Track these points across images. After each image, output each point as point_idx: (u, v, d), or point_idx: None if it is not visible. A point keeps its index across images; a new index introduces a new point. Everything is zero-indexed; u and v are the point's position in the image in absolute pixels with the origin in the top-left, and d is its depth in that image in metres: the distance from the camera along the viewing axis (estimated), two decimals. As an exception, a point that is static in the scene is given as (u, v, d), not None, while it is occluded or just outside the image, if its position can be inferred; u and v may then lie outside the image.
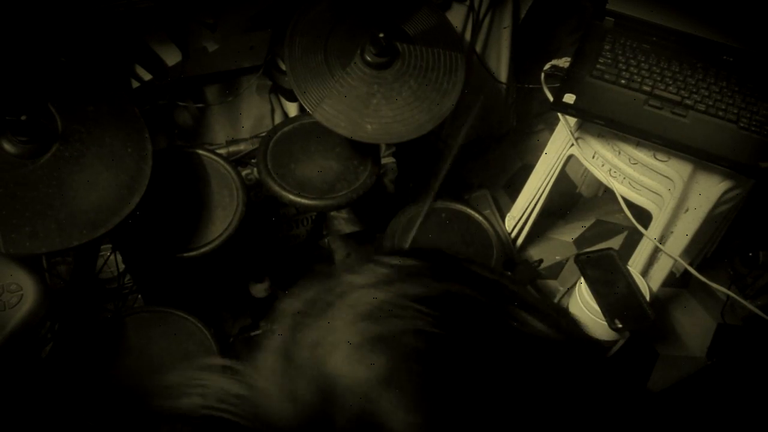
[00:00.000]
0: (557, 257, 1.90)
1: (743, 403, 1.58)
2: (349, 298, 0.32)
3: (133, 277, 1.48)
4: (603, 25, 1.45)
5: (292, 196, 1.36)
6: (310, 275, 0.35)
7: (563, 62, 1.47)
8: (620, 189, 1.47)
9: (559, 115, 1.48)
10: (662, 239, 1.47)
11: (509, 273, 1.71)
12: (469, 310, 0.31)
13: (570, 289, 1.76)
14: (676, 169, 1.37)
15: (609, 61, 1.38)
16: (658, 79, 1.35)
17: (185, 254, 1.27)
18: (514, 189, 1.92)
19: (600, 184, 1.92)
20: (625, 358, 1.60)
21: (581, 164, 1.54)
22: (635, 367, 1.69)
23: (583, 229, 1.97)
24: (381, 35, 1.26)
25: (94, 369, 1.15)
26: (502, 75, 1.77)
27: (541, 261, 1.84)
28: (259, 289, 1.54)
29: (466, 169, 2.01)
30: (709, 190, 1.39)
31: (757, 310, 1.46)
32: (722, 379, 1.70)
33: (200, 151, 1.39)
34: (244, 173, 1.53)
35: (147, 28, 1.38)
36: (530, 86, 1.72)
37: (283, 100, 1.68)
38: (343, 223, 1.76)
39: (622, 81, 1.35)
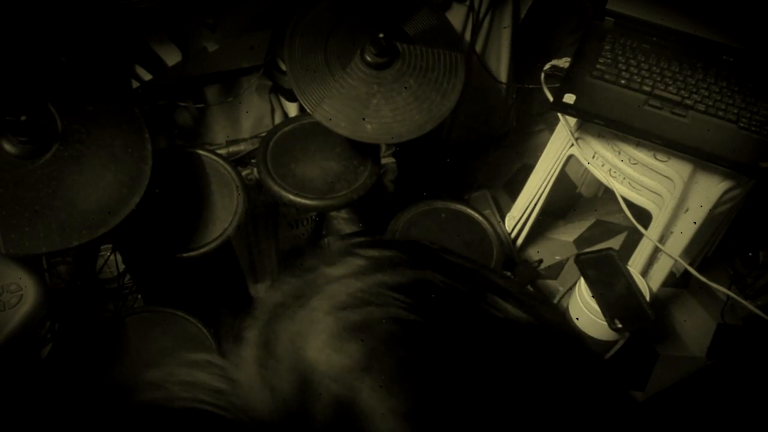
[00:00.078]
0: (557, 257, 1.90)
1: (743, 403, 1.58)
2: (327, 289, 0.32)
3: (133, 277, 1.48)
4: (603, 25, 1.46)
5: (292, 196, 1.36)
6: (290, 269, 0.35)
7: (563, 62, 1.47)
8: (620, 189, 1.47)
9: (559, 115, 1.48)
10: (662, 239, 1.47)
11: (509, 273, 1.71)
12: (446, 297, 0.32)
13: (570, 289, 1.76)
14: (676, 169, 1.37)
15: (609, 61, 1.38)
16: (658, 79, 1.35)
17: (185, 254, 1.27)
18: (514, 189, 1.92)
19: (600, 184, 1.92)
20: (625, 358, 1.60)
21: (581, 164, 1.54)
22: (635, 367, 1.69)
23: (583, 229, 1.97)
24: (381, 35, 1.26)
25: (94, 369, 1.15)
26: (502, 75, 1.77)
27: (541, 261, 1.84)
28: (259, 289, 1.54)
29: (466, 169, 2.01)
30: (709, 190, 1.39)
31: (757, 310, 1.46)
32: (722, 379, 1.70)
33: (200, 151, 1.39)
34: (244, 173, 1.53)
35: (147, 28, 1.38)
36: (530, 86, 1.72)
37: (283, 100, 1.68)
38: (343, 223, 1.76)
39: (622, 81, 1.35)
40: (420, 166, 1.84)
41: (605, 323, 1.43)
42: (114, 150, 1.12)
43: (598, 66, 1.38)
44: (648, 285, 1.50)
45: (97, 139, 1.10)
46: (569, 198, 2.03)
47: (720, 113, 1.31)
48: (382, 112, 1.29)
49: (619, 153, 1.43)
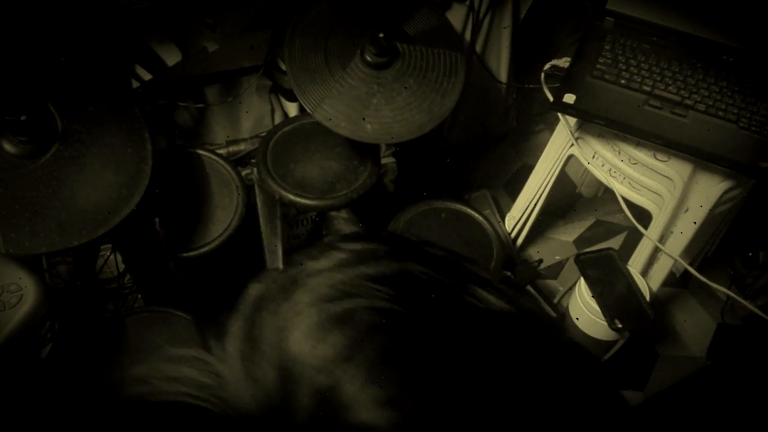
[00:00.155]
0: (557, 257, 1.90)
1: (743, 403, 1.58)
2: (309, 282, 0.33)
3: (133, 277, 1.48)
4: (603, 25, 1.46)
5: (292, 196, 1.36)
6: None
7: (563, 62, 1.47)
8: (620, 189, 1.47)
9: (559, 115, 1.48)
10: (662, 239, 1.47)
11: (509, 273, 1.71)
12: (426, 288, 0.32)
13: (570, 289, 1.76)
14: (676, 169, 1.37)
15: (609, 61, 1.38)
16: (658, 79, 1.35)
17: (185, 254, 1.27)
18: (514, 189, 1.92)
19: (600, 184, 1.92)
20: (625, 358, 1.60)
21: (581, 164, 1.54)
22: (635, 367, 1.69)
23: (583, 229, 1.97)
24: (381, 35, 1.26)
25: (93, 369, 1.15)
26: (502, 75, 1.77)
27: (541, 261, 1.84)
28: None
29: (466, 169, 2.01)
30: (709, 190, 1.39)
31: (757, 310, 1.46)
32: (722, 379, 1.70)
33: (200, 151, 1.39)
34: (244, 173, 1.53)
35: (147, 28, 1.38)
36: (530, 86, 1.72)
37: (283, 100, 1.68)
38: (343, 223, 1.76)
39: (622, 81, 1.35)
40: (420, 166, 1.84)
41: (605, 323, 1.43)
42: (114, 150, 1.12)
43: (598, 66, 1.38)
44: (648, 285, 1.50)
45: (97, 139, 1.10)
46: (569, 198, 2.03)
47: (720, 113, 1.31)
48: (382, 112, 1.29)
49: (619, 153, 1.43)
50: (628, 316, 1.42)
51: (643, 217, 1.47)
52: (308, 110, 1.28)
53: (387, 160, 1.76)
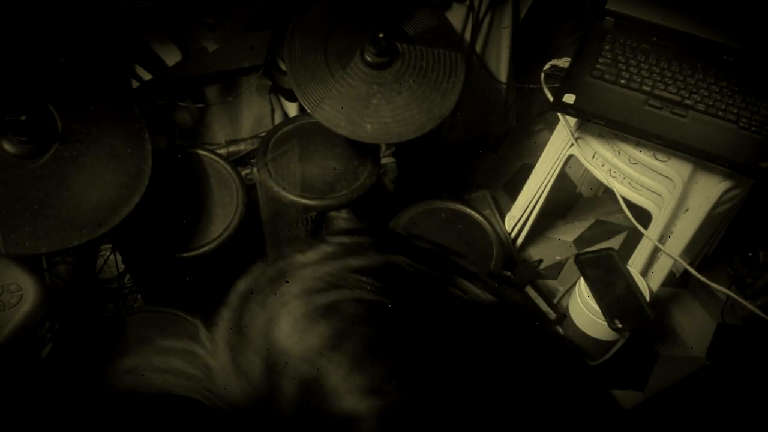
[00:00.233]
0: (557, 257, 1.90)
1: (743, 403, 1.58)
2: (297, 274, 0.33)
3: (133, 277, 1.48)
4: (603, 25, 1.46)
5: (292, 196, 1.36)
6: (265, 257, 0.36)
7: (563, 62, 1.47)
8: (620, 189, 1.47)
9: (559, 115, 1.48)
10: (662, 239, 1.47)
11: (509, 273, 1.71)
12: (411, 280, 0.33)
13: (570, 289, 1.76)
14: (676, 169, 1.37)
15: (609, 61, 1.38)
16: (658, 79, 1.35)
17: (185, 254, 1.27)
18: (514, 189, 1.92)
19: (600, 184, 1.92)
20: (625, 358, 1.60)
21: (581, 164, 1.54)
22: (635, 367, 1.69)
23: (583, 229, 1.97)
24: (381, 35, 1.26)
25: (94, 369, 1.15)
26: (502, 75, 1.77)
27: (541, 261, 1.84)
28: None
29: (466, 169, 2.01)
30: (709, 190, 1.39)
31: (757, 310, 1.46)
32: (722, 379, 1.70)
33: (200, 151, 1.39)
34: (244, 173, 1.53)
35: (147, 28, 1.38)
36: (530, 86, 1.72)
37: (283, 100, 1.68)
38: (343, 223, 1.76)
39: (622, 81, 1.35)
40: (420, 166, 1.84)
41: (605, 323, 1.43)
42: (114, 150, 1.12)
43: (598, 66, 1.38)
44: (648, 285, 1.50)
45: (97, 139, 1.10)
46: (569, 198, 2.03)
47: (720, 113, 1.31)
48: (382, 112, 1.29)
49: (619, 153, 1.43)
50: (628, 316, 1.42)
51: (643, 217, 1.47)
52: (308, 110, 1.28)
53: (387, 160, 1.76)
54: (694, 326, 1.80)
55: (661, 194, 1.42)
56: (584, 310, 1.50)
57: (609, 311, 1.43)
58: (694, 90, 1.34)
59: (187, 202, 1.33)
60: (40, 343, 1.21)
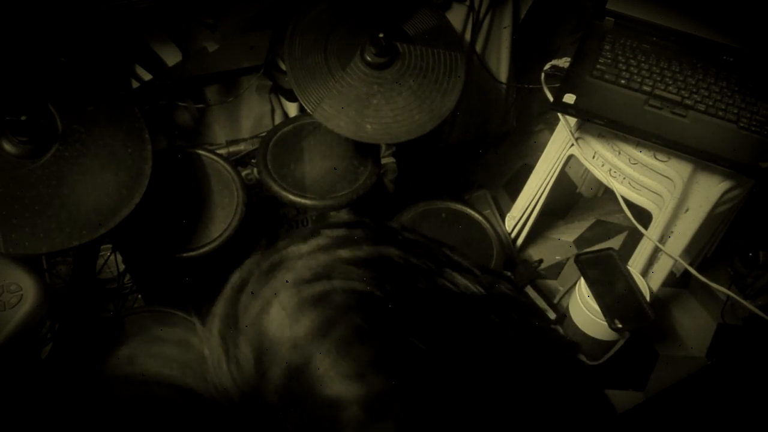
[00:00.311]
0: (557, 257, 1.90)
1: (743, 403, 1.58)
2: (289, 264, 0.34)
3: (133, 277, 1.48)
4: (603, 25, 1.46)
5: (292, 196, 1.36)
6: (260, 249, 0.37)
7: (563, 62, 1.47)
8: (620, 189, 1.47)
9: (559, 115, 1.48)
10: (662, 239, 1.47)
11: (509, 273, 1.71)
12: (402, 271, 0.33)
13: (570, 289, 1.76)
14: (676, 169, 1.37)
15: (609, 61, 1.38)
16: (658, 79, 1.35)
17: (185, 254, 1.27)
18: (514, 189, 1.92)
19: (600, 184, 1.92)
20: (625, 358, 1.60)
21: (581, 164, 1.54)
22: (635, 367, 1.69)
23: (583, 229, 1.97)
24: (381, 35, 1.26)
25: (93, 369, 1.15)
26: (502, 75, 1.77)
27: (541, 261, 1.84)
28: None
29: (466, 169, 2.01)
30: (709, 190, 1.39)
31: (757, 310, 1.46)
32: (722, 379, 1.70)
33: (200, 151, 1.39)
34: (244, 173, 1.53)
35: (147, 28, 1.38)
36: (530, 86, 1.72)
37: (283, 100, 1.68)
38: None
39: (622, 81, 1.35)
40: (420, 166, 1.84)
41: (605, 323, 1.43)
42: (114, 150, 1.12)
43: (598, 66, 1.38)
44: (648, 285, 1.50)
45: (97, 139, 1.10)
46: (569, 198, 2.03)
47: (720, 113, 1.31)
48: (382, 112, 1.29)
49: (619, 153, 1.43)
50: (628, 316, 1.42)
51: (643, 217, 1.47)
52: (308, 110, 1.28)
53: (387, 160, 1.76)
54: (694, 326, 1.80)
55: (661, 194, 1.42)
56: (584, 310, 1.50)
57: (609, 311, 1.43)
58: (694, 90, 1.34)
59: (187, 203, 1.33)
60: (40, 343, 1.21)
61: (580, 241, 1.94)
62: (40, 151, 1.05)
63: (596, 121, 1.35)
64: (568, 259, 1.88)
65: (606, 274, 1.49)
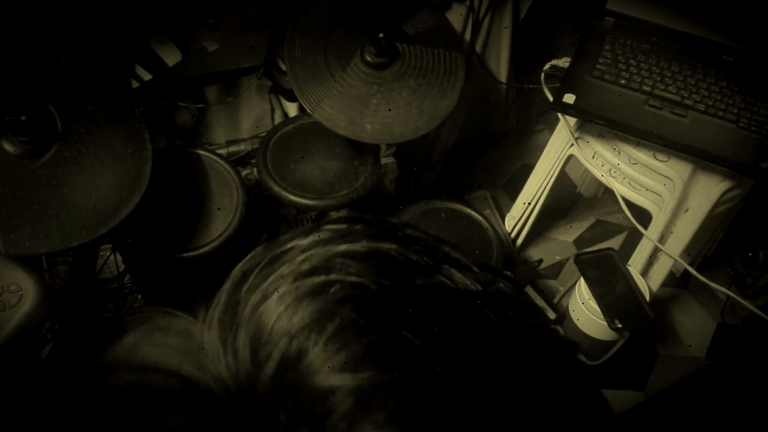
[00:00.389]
0: (557, 257, 1.90)
1: (743, 403, 1.58)
2: (290, 257, 0.34)
3: (133, 277, 1.48)
4: (603, 25, 1.46)
5: (292, 196, 1.36)
6: (264, 244, 0.38)
7: (563, 62, 1.47)
8: (620, 189, 1.47)
9: (559, 115, 1.48)
10: (662, 239, 1.47)
11: (509, 273, 1.71)
12: (398, 266, 0.34)
13: (570, 289, 1.76)
14: (676, 169, 1.37)
15: (609, 61, 1.38)
16: (658, 79, 1.35)
17: (185, 254, 1.27)
18: (514, 189, 1.92)
19: (600, 184, 1.92)
20: (625, 358, 1.60)
21: (581, 164, 1.54)
22: (635, 367, 1.69)
23: (583, 229, 1.97)
24: (381, 35, 1.26)
25: (93, 369, 1.15)
26: (502, 75, 1.77)
27: (541, 261, 1.84)
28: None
29: (466, 169, 2.01)
30: (709, 190, 1.39)
31: (757, 310, 1.46)
32: (722, 379, 1.70)
33: (200, 151, 1.39)
34: (244, 173, 1.53)
35: (147, 28, 1.38)
36: (530, 86, 1.72)
37: (283, 100, 1.68)
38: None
39: (622, 81, 1.35)
40: (420, 166, 1.84)
41: (605, 323, 1.43)
42: (114, 150, 1.12)
43: (598, 66, 1.38)
44: (648, 285, 1.50)
45: (97, 139, 1.10)
46: (569, 198, 2.03)
47: (720, 113, 1.31)
48: (382, 112, 1.29)
49: (619, 153, 1.43)
50: (628, 316, 1.42)
51: (643, 217, 1.47)
52: (308, 110, 1.28)
53: (387, 160, 1.76)
54: (694, 326, 1.80)
55: (661, 194, 1.42)
56: (584, 310, 1.50)
57: (609, 311, 1.43)
58: (694, 90, 1.34)
59: (187, 202, 1.33)
60: (40, 343, 1.21)
61: (580, 241, 1.94)
62: (40, 151, 1.05)
63: (596, 121, 1.35)
64: (568, 259, 1.88)
65: (606, 274, 1.49)
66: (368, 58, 1.29)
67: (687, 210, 1.43)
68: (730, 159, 1.27)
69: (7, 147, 1.03)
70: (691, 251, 1.69)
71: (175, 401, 0.30)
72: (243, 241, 1.35)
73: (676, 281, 1.83)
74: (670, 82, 1.35)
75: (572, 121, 1.49)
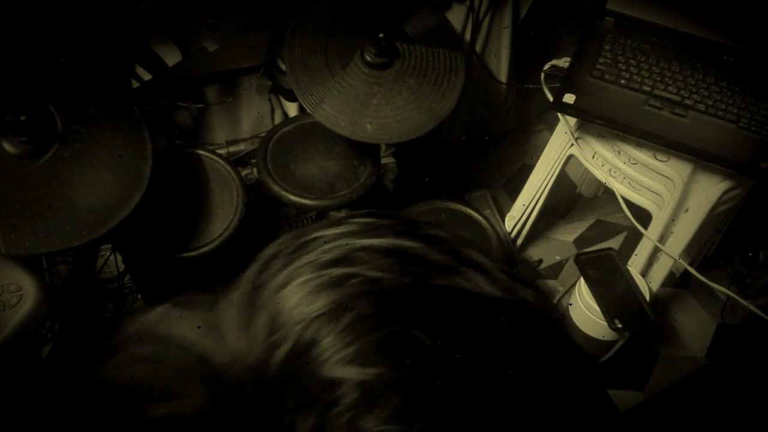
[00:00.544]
0: (557, 257, 1.90)
1: (743, 403, 1.58)
2: (314, 246, 0.35)
3: (133, 277, 1.48)
4: (603, 25, 1.46)
5: (292, 196, 1.36)
6: (293, 231, 0.39)
7: (563, 62, 1.47)
8: (620, 189, 1.47)
9: (559, 115, 1.48)
10: (662, 239, 1.47)
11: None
12: (418, 264, 0.34)
13: (570, 289, 1.76)
14: (676, 169, 1.37)
15: (609, 61, 1.38)
16: (658, 79, 1.35)
17: (185, 254, 1.27)
18: (514, 189, 1.92)
19: (600, 184, 1.92)
20: (625, 358, 1.60)
21: (581, 164, 1.54)
22: (635, 367, 1.69)
23: (583, 229, 1.97)
24: (381, 35, 1.26)
25: (93, 369, 1.15)
26: (502, 75, 1.77)
27: (541, 261, 1.84)
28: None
29: (466, 169, 2.01)
30: (709, 190, 1.39)
31: (757, 310, 1.46)
32: (722, 379, 1.70)
33: (200, 151, 1.39)
34: (244, 173, 1.53)
35: (147, 28, 1.38)
36: (530, 86, 1.72)
37: (283, 100, 1.68)
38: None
39: (622, 81, 1.35)
40: (420, 166, 1.84)
41: (605, 323, 1.43)
42: (114, 150, 1.12)
43: (598, 66, 1.38)
44: (648, 285, 1.50)
45: (97, 139, 1.10)
46: (569, 198, 2.03)
47: (720, 113, 1.31)
48: (382, 112, 1.29)
49: (619, 153, 1.43)
50: (628, 316, 1.42)
51: (643, 217, 1.47)
52: (308, 110, 1.28)
53: (387, 160, 1.76)
54: (694, 326, 1.80)
55: (661, 194, 1.42)
56: (584, 310, 1.50)
57: (609, 311, 1.42)
58: (694, 90, 1.34)
59: (187, 202, 1.33)
60: (40, 343, 1.21)
61: (580, 241, 1.94)
62: (40, 151, 1.05)
63: (596, 121, 1.35)
64: (568, 259, 1.88)
65: (606, 274, 1.49)
66: (368, 58, 1.29)
67: (687, 210, 1.43)
68: (730, 159, 1.27)
69: (7, 147, 1.03)
70: (691, 251, 1.69)
71: (192, 381, 0.30)
72: (243, 241, 1.35)
73: (676, 281, 1.83)
74: (670, 82, 1.35)
75: (572, 121, 1.49)
